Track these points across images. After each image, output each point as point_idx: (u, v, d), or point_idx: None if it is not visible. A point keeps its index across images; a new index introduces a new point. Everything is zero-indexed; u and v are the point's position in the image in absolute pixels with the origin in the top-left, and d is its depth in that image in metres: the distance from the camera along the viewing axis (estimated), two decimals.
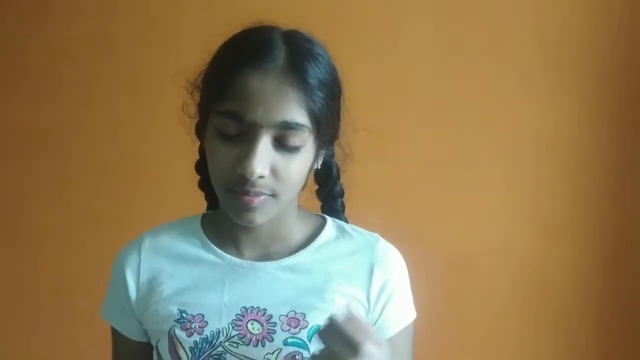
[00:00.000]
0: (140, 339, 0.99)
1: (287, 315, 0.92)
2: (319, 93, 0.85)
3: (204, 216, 1.02)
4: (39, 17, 1.88)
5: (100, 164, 1.90)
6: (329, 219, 1.01)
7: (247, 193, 0.84)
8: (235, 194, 0.85)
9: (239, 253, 0.96)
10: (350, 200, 1.09)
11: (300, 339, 0.91)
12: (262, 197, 0.85)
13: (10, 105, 1.92)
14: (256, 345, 0.90)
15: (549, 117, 1.77)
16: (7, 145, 1.93)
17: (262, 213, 0.87)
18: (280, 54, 0.84)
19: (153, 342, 0.95)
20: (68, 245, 1.92)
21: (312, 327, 0.91)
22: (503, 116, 1.78)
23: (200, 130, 0.93)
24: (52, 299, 1.93)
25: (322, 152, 0.95)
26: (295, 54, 0.85)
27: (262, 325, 0.91)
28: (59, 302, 1.93)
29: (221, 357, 0.90)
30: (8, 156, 1.93)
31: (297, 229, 0.98)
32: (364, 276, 0.96)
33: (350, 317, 0.76)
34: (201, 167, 1.01)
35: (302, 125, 0.83)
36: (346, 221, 1.06)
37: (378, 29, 1.79)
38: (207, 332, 0.90)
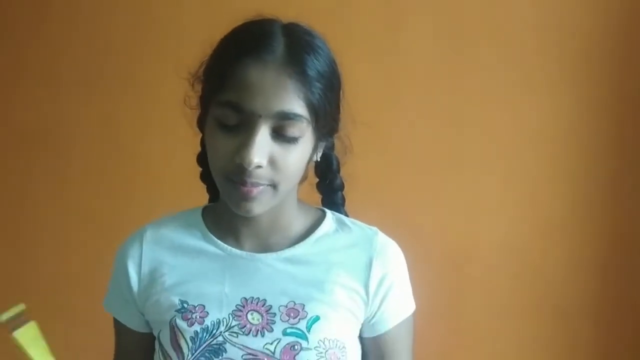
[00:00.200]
0: (142, 329, 1.00)
1: (286, 306, 0.92)
2: (317, 84, 0.86)
3: (204, 208, 1.03)
4: (39, 16, 1.88)
5: (100, 163, 1.91)
6: (329, 212, 1.02)
7: (245, 183, 0.85)
8: (234, 184, 0.86)
9: (239, 244, 0.96)
10: (350, 194, 1.09)
11: (299, 329, 0.91)
12: (261, 187, 0.86)
13: (10, 104, 1.93)
14: (256, 335, 0.91)
15: (548, 116, 1.78)
16: (8, 144, 1.94)
17: (261, 203, 0.87)
18: (280, 45, 0.85)
19: (155, 333, 0.96)
20: (68, 244, 1.93)
21: (311, 318, 0.92)
22: (503, 114, 1.79)
23: (202, 123, 0.94)
24: (52, 297, 1.93)
25: (322, 145, 0.96)
26: (295, 45, 0.86)
27: (261, 315, 0.92)
28: (59, 300, 1.93)
29: (221, 347, 0.90)
30: (8, 155, 1.94)
31: (297, 221, 0.99)
32: (362, 269, 0.97)
33: None
34: (203, 159, 1.02)
35: (300, 116, 0.84)
36: (346, 215, 1.07)
37: (379, 26, 1.80)
38: (207, 322, 0.91)
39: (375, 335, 0.99)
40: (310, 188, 1.05)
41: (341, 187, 1.07)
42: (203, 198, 1.09)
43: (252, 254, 0.95)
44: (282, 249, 0.96)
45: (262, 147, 0.83)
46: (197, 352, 0.90)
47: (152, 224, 1.01)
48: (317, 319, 0.92)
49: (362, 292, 0.96)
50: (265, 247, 0.96)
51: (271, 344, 0.90)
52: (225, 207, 0.92)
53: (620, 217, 1.79)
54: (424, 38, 1.79)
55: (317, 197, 1.07)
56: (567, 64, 1.76)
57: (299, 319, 0.91)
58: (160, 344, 0.94)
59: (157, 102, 1.83)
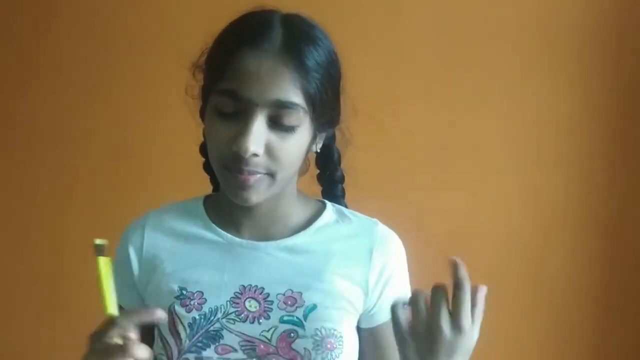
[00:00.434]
0: None
1: (284, 294, 0.93)
2: (315, 74, 0.86)
3: (206, 198, 1.04)
4: (44, 14, 1.91)
5: (105, 159, 1.92)
6: (329, 204, 1.03)
7: (242, 171, 0.86)
8: (232, 172, 0.87)
9: (239, 233, 0.97)
10: (350, 187, 1.10)
11: (296, 317, 0.92)
12: (258, 175, 0.87)
13: (16, 101, 1.95)
14: (253, 323, 0.92)
15: (549, 109, 1.79)
16: (14, 140, 1.96)
17: (258, 192, 0.88)
18: (278, 35, 0.86)
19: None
20: (72, 240, 1.94)
21: (308, 306, 0.93)
22: (503, 106, 1.80)
23: (204, 113, 0.95)
24: (56, 294, 1.95)
25: (321, 136, 0.96)
26: (293, 36, 0.86)
27: (259, 303, 0.93)
28: (63, 295, 1.94)
29: (218, 333, 0.91)
30: (15, 152, 1.96)
31: (297, 212, 1.00)
32: (363, 259, 0.97)
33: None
34: (205, 149, 1.03)
35: (296, 105, 0.85)
36: (346, 206, 1.07)
37: (380, 17, 1.81)
38: (205, 308, 0.92)
39: (373, 326, 1.00)
40: (311, 180, 1.06)
41: (341, 179, 1.08)
42: (204, 193, 1.10)
43: (252, 242, 0.96)
44: (282, 238, 0.97)
45: (258, 136, 0.84)
46: (195, 338, 0.91)
47: (154, 210, 1.03)
48: (314, 307, 0.93)
49: (362, 282, 0.97)
50: (265, 236, 0.97)
51: (268, 331, 0.91)
52: (226, 196, 0.93)
53: (620, 211, 1.79)
54: (425, 30, 1.80)
55: (317, 189, 1.08)
56: (567, 59, 1.77)
57: (296, 307, 0.92)
58: (159, 331, 0.95)
59: (162, 99, 1.83)
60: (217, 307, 0.92)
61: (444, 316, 0.78)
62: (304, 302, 0.93)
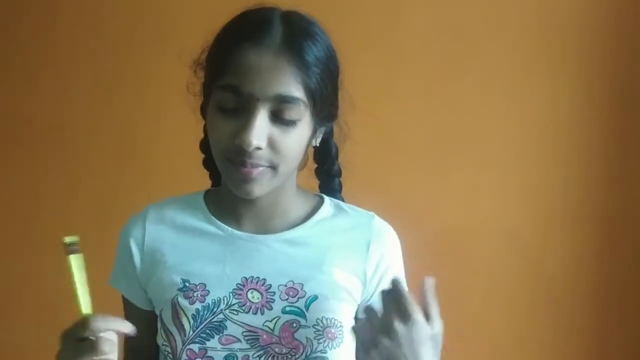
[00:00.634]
0: (146, 307, 1.03)
1: (285, 285, 0.95)
2: (315, 69, 0.88)
3: (207, 192, 1.06)
4: (47, 13, 1.91)
5: (109, 158, 1.92)
6: (327, 198, 1.05)
7: (245, 164, 0.87)
8: (234, 165, 0.88)
9: (239, 226, 0.99)
10: (348, 181, 1.12)
11: (298, 308, 0.94)
12: (260, 168, 0.88)
13: (20, 101, 1.95)
14: (255, 313, 0.94)
15: (548, 105, 1.79)
16: (13, 139, 1.96)
17: (260, 185, 0.90)
18: (278, 31, 0.87)
19: (157, 311, 0.99)
20: (66, 232, 1.94)
21: (309, 297, 0.95)
22: (502, 102, 1.80)
23: (205, 109, 0.96)
24: (61, 290, 1.95)
25: (321, 130, 0.98)
26: (293, 32, 0.88)
27: (261, 294, 0.95)
28: (63, 295, 1.93)
29: (222, 324, 0.93)
30: (18, 152, 1.96)
31: (296, 206, 1.02)
32: (360, 251, 1.00)
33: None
34: (206, 145, 1.05)
35: (297, 99, 0.87)
36: (342, 200, 1.10)
37: (378, 13, 1.81)
38: (208, 300, 0.94)
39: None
40: (309, 174, 1.08)
41: (339, 173, 1.10)
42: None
43: (252, 235, 0.98)
44: (281, 231, 0.99)
45: (261, 130, 0.85)
46: (199, 329, 0.93)
47: (154, 204, 1.04)
48: (315, 298, 0.95)
49: (360, 273, 0.99)
50: (265, 230, 0.99)
51: (270, 321, 0.93)
52: (226, 190, 0.95)
53: (620, 210, 1.80)
54: (425, 28, 1.80)
55: (315, 183, 1.10)
56: (567, 58, 1.78)
57: (298, 298, 0.95)
58: (162, 322, 0.96)
59: (165, 98, 1.83)
60: (220, 299, 0.94)
61: (395, 316, 0.83)
62: (305, 293, 0.95)
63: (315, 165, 1.09)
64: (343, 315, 0.97)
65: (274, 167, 0.89)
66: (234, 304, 0.94)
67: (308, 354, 0.93)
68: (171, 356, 0.94)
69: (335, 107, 0.98)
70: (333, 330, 0.95)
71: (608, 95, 1.78)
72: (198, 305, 0.94)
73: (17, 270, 1.99)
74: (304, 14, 0.94)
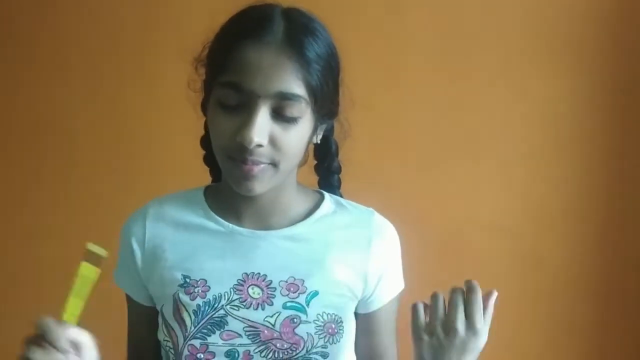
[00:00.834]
0: (148, 303, 1.03)
1: (286, 281, 0.96)
2: (316, 66, 0.88)
3: (206, 188, 1.06)
4: (45, 6, 1.91)
5: (106, 152, 1.92)
6: (327, 195, 1.06)
7: (246, 161, 0.87)
8: (236, 162, 0.88)
9: (240, 223, 0.99)
10: (347, 177, 1.13)
11: (298, 303, 0.95)
12: (262, 165, 0.89)
13: (17, 93, 1.94)
14: (256, 309, 0.94)
15: (545, 101, 1.80)
16: (15, 139, 1.96)
17: (262, 182, 0.90)
18: (279, 28, 0.87)
19: (158, 307, 0.99)
20: (75, 232, 1.95)
21: (310, 293, 0.95)
22: (503, 99, 1.81)
23: (205, 106, 0.97)
24: (62, 286, 1.95)
25: (322, 127, 0.98)
26: (294, 28, 0.88)
27: (262, 290, 0.95)
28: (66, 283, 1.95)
29: (223, 320, 0.94)
30: (15, 144, 1.96)
31: (297, 202, 1.02)
32: (362, 247, 1.01)
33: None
34: (206, 142, 1.06)
35: (298, 96, 0.87)
36: (341, 196, 1.10)
37: (379, 10, 1.81)
38: (209, 296, 0.94)
39: (369, 312, 1.04)
40: (308, 170, 1.09)
41: (338, 170, 1.11)
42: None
43: (252, 231, 0.98)
44: (282, 228, 0.99)
45: (262, 127, 0.86)
46: (200, 324, 0.94)
47: (154, 200, 1.04)
48: (315, 294, 0.96)
49: (362, 270, 1.00)
50: (266, 226, 0.99)
51: (271, 316, 0.94)
52: (227, 187, 0.96)
53: (617, 202, 1.81)
54: (425, 23, 1.81)
55: (314, 179, 1.11)
56: (568, 57, 1.78)
57: (299, 294, 0.95)
58: (164, 318, 0.97)
59: (168, 96, 1.83)
60: (221, 295, 0.95)
61: (460, 317, 0.87)
62: (306, 288, 0.95)
63: (315, 162, 1.09)
64: (343, 311, 0.98)
65: (275, 164, 0.90)
66: (234, 300, 0.94)
67: (309, 349, 0.94)
68: (173, 352, 0.95)
69: (336, 104, 0.98)
70: (333, 326, 0.96)
71: (609, 94, 1.78)
72: (199, 300, 0.94)
73: (19, 268, 1.99)
74: (305, 10, 0.94)
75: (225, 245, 0.98)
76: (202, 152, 1.10)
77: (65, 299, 0.80)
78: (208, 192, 1.04)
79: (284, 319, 0.94)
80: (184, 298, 0.95)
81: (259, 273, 0.96)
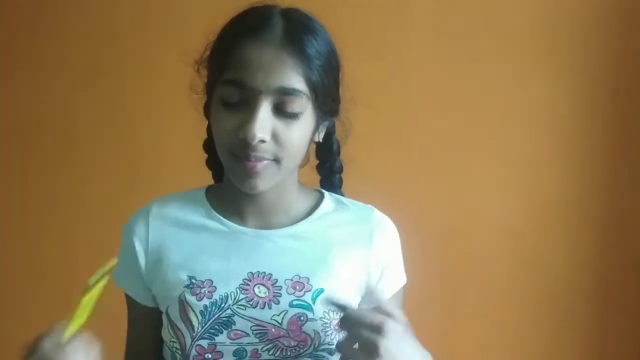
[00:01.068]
0: (150, 304, 1.03)
1: (292, 279, 0.96)
2: (316, 62, 0.90)
3: (208, 188, 1.06)
4: (42, 4, 1.92)
5: (104, 151, 1.93)
6: (327, 193, 1.07)
7: (249, 157, 0.88)
8: (239, 159, 0.89)
9: (242, 222, 1.00)
10: (349, 177, 1.13)
11: (305, 301, 0.95)
12: (265, 162, 0.89)
13: (13, 92, 1.95)
14: (263, 308, 0.94)
15: (547, 100, 1.80)
16: (18, 137, 1.96)
17: (265, 179, 0.91)
18: (279, 26, 0.89)
19: (162, 309, 0.99)
20: (75, 231, 1.95)
21: (316, 290, 0.96)
22: (503, 100, 1.81)
23: (208, 109, 0.98)
24: (61, 285, 1.94)
25: (323, 125, 0.99)
26: (293, 26, 0.90)
27: (268, 289, 0.95)
28: (68, 286, 1.94)
29: (230, 320, 0.94)
30: (12, 142, 1.97)
31: (298, 202, 1.03)
32: (364, 243, 1.02)
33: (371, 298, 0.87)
34: (209, 145, 1.06)
35: (299, 92, 0.88)
36: (342, 195, 1.11)
37: (380, 10, 1.82)
38: (216, 296, 0.94)
39: (372, 306, 1.03)
40: (310, 170, 1.09)
41: (340, 169, 1.11)
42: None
43: (255, 230, 0.99)
44: (284, 226, 1.00)
45: (264, 123, 0.87)
46: (207, 325, 0.94)
47: (156, 201, 1.04)
48: (321, 291, 0.96)
49: (364, 265, 1.01)
50: (268, 225, 1.00)
51: (278, 315, 0.94)
52: (229, 186, 0.97)
53: (618, 201, 1.81)
54: (427, 23, 1.81)
55: (316, 179, 1.11)
56: (568, 56, 1.79)
57: (305, 292, 0.95)
58: (169, 319, 0.97)
59: (171, 98, 1.84)
60: (228, 295, 0.95)
61: (364, 331, 0.82)
62: (312, 286, 0.96)
63: (317, 162, 1.10)
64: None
65: (277, 161, 0.90)
66: (241, 299, 0.94)
67: (316, 346, 0.94)
68: (180, 352, 0.95)
69: (337, 101, 0.99)
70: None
71: (609, 94, 1.79)
72: (206, 301, 0.94)
73: (22, 268, 1.99)
74: (304, 10, 0.95)
75: (229, 245, 0.98)
76: (203, 154, 1.10)
77: (78, 314, 0.81)
78: (210, 192, 1.05)
79: (291, 317, 0.94)
80: (190, 299, 0.95)
81: (264, 272, 0.96)
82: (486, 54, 1.80)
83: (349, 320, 0.84)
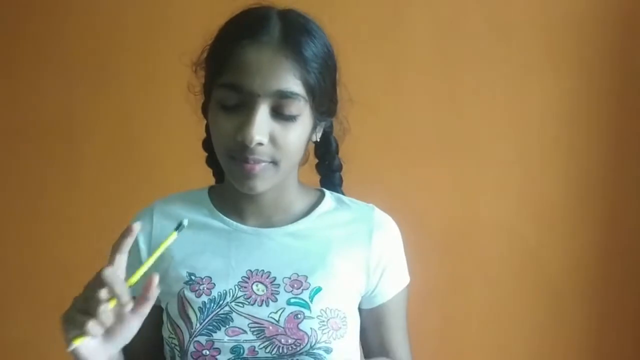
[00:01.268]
0: None
1: (290, 278, 0.97)
2: (313, 64, 0.91)
3: (210, 188, 1.08)
4: (48, 11, 1.93)
5: (112, 154, 1.94)
6: (327, 192, 1.08)
7: (247, 160, 0.90)
8: (237, 161, 0.91)
9: (243, 221, 1.02)
10: (348, 175, 1.15)
11: (302, 299, 0.96)
12: (263, 164, 0.91)
13: (23, 95, 1.96)
14: (261, 305, 0.95)
15: (548, 100, 1.80)
16: (16, 134, 1.97)
17: (263, 180, 0.92)
18: (276, 28, 0.90)
19: (163, 305, 1.00)
20: (80, 233, 1.96)
21: (313, 289, 0.97)
22: (503, 99, 1.82)
23: (206, 109, 0.99)
24: (65, 287, 1.96)
25: (321, 125, 1.01)
26: (290, 28, 0.91)
27: (266, 286, 0.96)
28: (72, 290, 1.96)
29: (228, 316, 0.95)
30: (21, 145, 1.98)
31: (298, 200, 1.04)
32: (363, 242, 1.02)
33: None
34: (207, 144, 1.08)
35: (297, 94, 0.89)
36: (343, 194, 1.12)
37: (379, 9, 1.82)
38: (214, 293, 0.96)
39: (374, 306, 1.05)
40: (310, 169, 1.11)
41: (339, 168, 1.13)
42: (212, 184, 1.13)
43: (256, 228, 1.01)
44: (284, 225, 1.01)
45: (262, 125, 0.88)
46: (205, 321, 0.95)
47: (160, 200, 1.07)
48: (319, 289, 0.97)
49: (364, 264, 1.01)
50: (269, 224, 1.01)
51: (275, 312, 0.95)
52: (230, 186, 0.98)
53: (618, 201, 1.81)
54: (426, 22, 1.82)
55: (316, 178, 1.12)
56: (568, 55, 1.79)
57: (302, 290, 0.96)
58: (169, 316, 0.98)
59: (167, 94, 1.83)
60: (226, 292, 0.96)
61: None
62: (310, 284, 0.97)
63: (316, 161, 1.11)
64: (347, 306, 0.99)
65: (275, 163, 0.92)
66: (239, 297, 0.96)
67: (313, 344, 0.95)
68: (178, 348, 0.96)
69: (335, 102, 1.01)
70: (337, 321, 0.96)
71: (609, 94, 1.79)
72: (204, 298, 0.96)
73: (19, 265, 2.00)
74: (301, 11, 0.96)
75: (229, 243, 1.00)
76: (203, 153, 1.12)
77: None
78: (212, 192, 1.07)
79: (288, 315, 0.95)
80: (190, 295, 0.96)
81: (263, 270, 0.98)
82: (486, 54, 1.81)
83: None
